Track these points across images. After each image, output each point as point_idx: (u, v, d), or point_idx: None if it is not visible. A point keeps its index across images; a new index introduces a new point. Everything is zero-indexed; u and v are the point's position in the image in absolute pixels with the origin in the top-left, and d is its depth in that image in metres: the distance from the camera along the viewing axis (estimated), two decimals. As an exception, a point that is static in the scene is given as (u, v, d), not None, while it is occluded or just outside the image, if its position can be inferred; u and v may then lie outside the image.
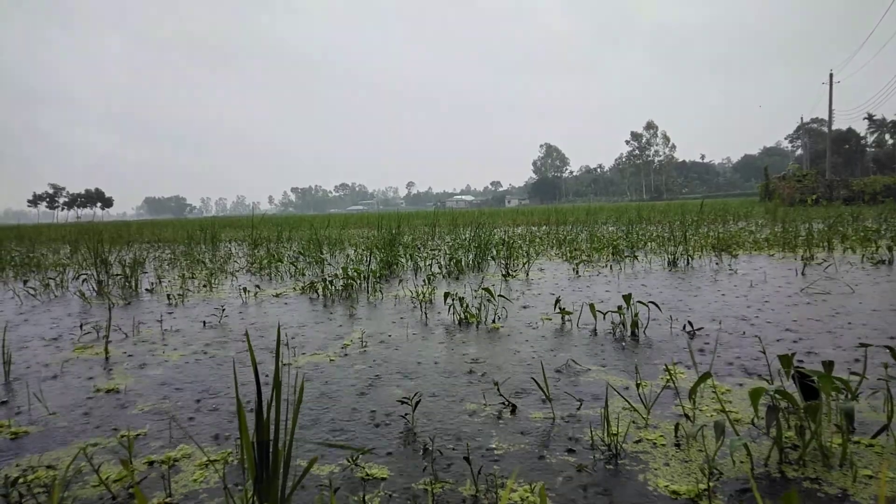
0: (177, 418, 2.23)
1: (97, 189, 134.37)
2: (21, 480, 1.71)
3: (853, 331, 3.27)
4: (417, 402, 2.11)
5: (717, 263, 6.69)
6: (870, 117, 79.64)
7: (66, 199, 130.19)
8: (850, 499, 1.49)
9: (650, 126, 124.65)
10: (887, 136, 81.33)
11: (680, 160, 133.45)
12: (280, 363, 1.28)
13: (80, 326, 4.01)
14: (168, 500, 1.59)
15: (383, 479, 1.67)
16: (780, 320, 3.60)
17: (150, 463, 1.84)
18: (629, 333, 3.38)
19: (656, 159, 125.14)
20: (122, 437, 2.05)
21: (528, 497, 1.54)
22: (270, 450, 1.33)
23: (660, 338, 3.28)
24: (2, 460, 1.91)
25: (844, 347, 2.93)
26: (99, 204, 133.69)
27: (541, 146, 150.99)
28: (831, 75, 49.90)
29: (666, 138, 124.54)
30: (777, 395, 1.75)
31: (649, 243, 9.09)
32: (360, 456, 1.81)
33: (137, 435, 2.07)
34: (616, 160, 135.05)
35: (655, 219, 15.80)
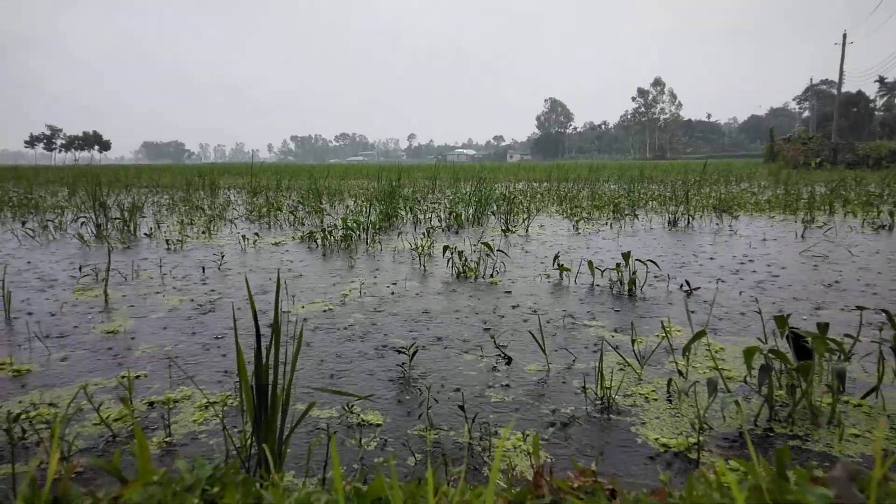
0: (176, 361, 2.26)
1: (95, 132, 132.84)
2: (23, 416, 1.74)
3: (849, 293, 3.28)
4: (414, 353, 2.13)
5: (717, 224, 6.68)
6: (881, 80, 78.27)
7: (64, 141, 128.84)
8: (834, 456, 1.52)
9: (657, 83, 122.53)
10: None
11: (685, 119, 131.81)
12: (279, 307, 1.29)
13: (80, 269, 4.02)
14: (168, 439, 1.62)
15: (378, 424, 1.70)
16: (778, 281, 3.61)
17: (151, 404, 1.87)
18: (626, 291, 3.40)
19: (662, 117, 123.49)
20: (123, 377, 2.08)
21: (520, 445, 1.57)
22: (269, 393, 1.34)
23: (657, 295, 3.30)
24: (4, 396, 1.94)
25: (840, 309, 2.95)
26: (97, 147, 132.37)
27: (545, 101, 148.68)
28: (844, 35, 48.69)
29: (673, 96, 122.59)
30: (771, 355, 1.77)
31: (650, 202, 9.05)
32: (358, 403, 1.84)
33: (137, 376, 2.10)
34: (621, 117, 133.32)
35: (658, 178, 15.70)
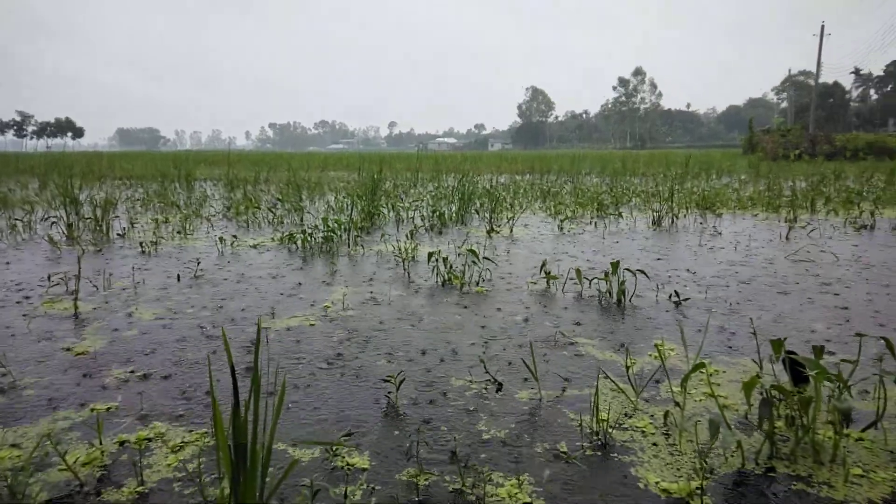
0: (149, 389, 2.14)
1: (67, 118, 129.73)
2: (-18, 463, 1.62)
3: (839, 306, 3.25)
4: (401, 382, 2.04)
5: (701, 223, 6.66)
6: (857, 72, 79.39)
7: (35, 128, 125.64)
8: (839, 501, 1.47)
9: (638, 72, 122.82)
10: (872, 91, 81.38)
11: (665, 108, 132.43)
12: (259, 364, 1.19)
13: (48, 277, 3.85)
14: (140, 489, 1.52)
15: (364, 469, 1.61)
16: (767, 291, 3.58)
17: (122, 443, 1.75)
18: (616, 300, 3.34)
19: (642, 107, 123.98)
20: (92, 411, 1.96)
21: (515, 493, 1.50)
22: (248, 451, 1.25)
23: (646, 307, 3.24)
24: (-38, 436, 1.81)
25: (831, 324, 2.92)
26: (70, 134, 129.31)
27: (527, 89, 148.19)
28: (822, 27, 49.25)
29: (653, 86, 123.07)
30: (771, 390, 1.71)
31: (634, 199, 9.03)
32: (342, 443, 1.74)
33: (108, 408, 1.99)
34: (602, 106, 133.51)
35: (640, 171, 15.72)
